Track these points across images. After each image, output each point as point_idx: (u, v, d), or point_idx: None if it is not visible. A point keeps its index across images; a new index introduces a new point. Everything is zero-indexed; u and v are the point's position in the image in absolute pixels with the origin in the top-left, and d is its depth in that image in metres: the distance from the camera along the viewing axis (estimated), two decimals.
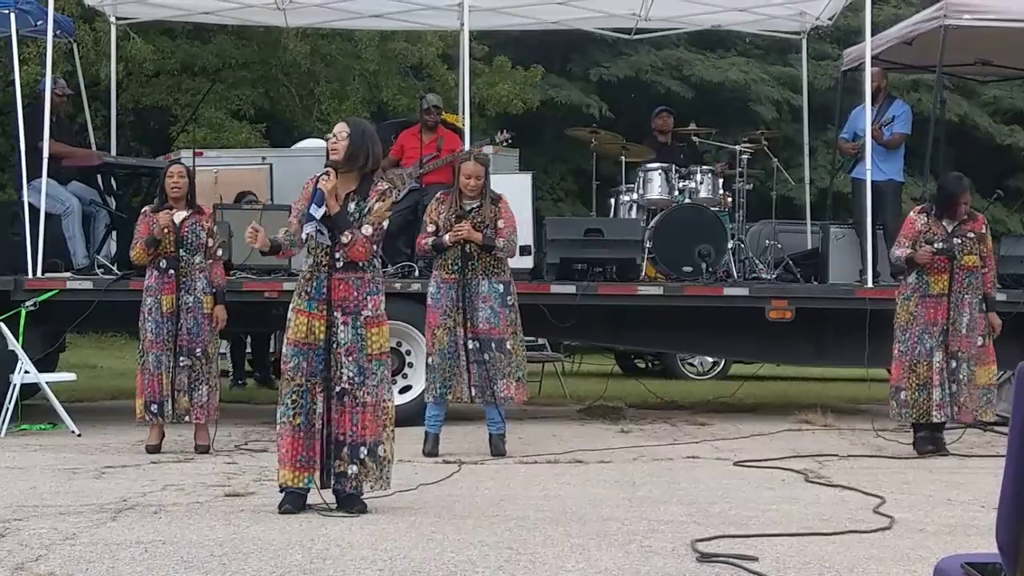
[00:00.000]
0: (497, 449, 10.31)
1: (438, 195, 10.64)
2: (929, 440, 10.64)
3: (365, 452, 7.51)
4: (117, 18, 15.63)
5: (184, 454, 10.16)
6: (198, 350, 10.22)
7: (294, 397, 7.52)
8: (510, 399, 10.26)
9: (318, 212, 7.48)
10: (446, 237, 10.09)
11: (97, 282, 12.22)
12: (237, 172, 14.66)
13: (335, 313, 7.52)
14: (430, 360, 10.28)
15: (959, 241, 10.50)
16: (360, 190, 7.63)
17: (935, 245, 10.48)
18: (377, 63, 24.73)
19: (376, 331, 7.59)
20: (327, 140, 7.75)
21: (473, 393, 10.18)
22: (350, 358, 7.52)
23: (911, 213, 10.86)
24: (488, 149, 14.47)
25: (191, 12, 16.09)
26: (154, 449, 10.22)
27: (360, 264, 7.57)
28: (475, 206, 10.19)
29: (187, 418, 10.23)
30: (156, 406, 10.16)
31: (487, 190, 10.28)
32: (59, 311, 12.16)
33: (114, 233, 13.27)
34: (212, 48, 24.63)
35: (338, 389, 7.52)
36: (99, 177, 13.34)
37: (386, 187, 7.77)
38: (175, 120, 24.38)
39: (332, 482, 7.55)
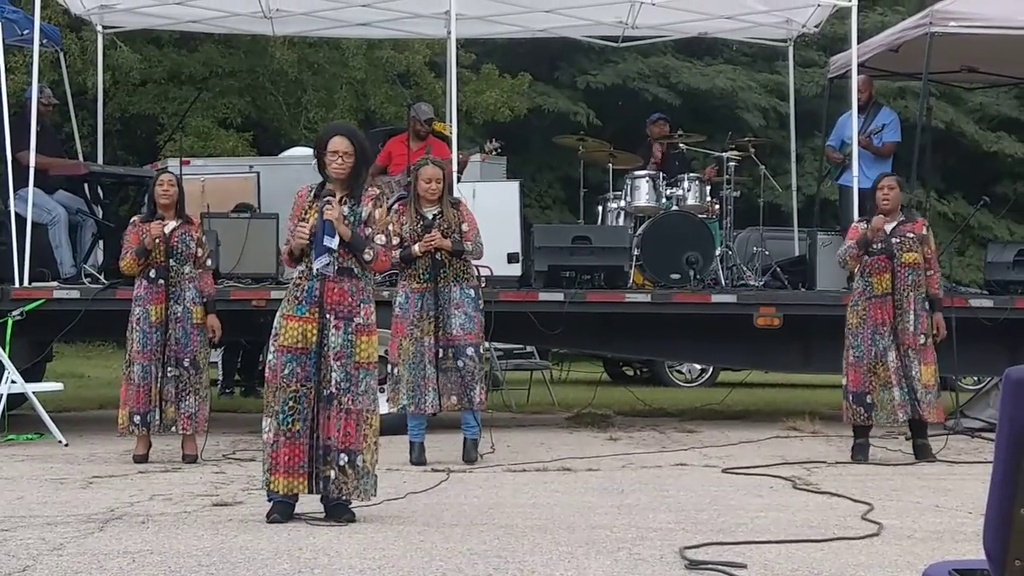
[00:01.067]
0: (469, 455, 10.27)
1: (395, 207, 10.62)
2: (867, 448, 10.71)
3: (346, 460, 7.48)
4: (104, 27, 15.60)
5: (172, 464, 10.14)
6: (186, 360, 10.19)
7: (291, 403, 7.48)
8: (480, 403, 10.25)
9: (333, 243, 7.45)
10: (416, 247, 10.03)
11: (84, 291, 12.20)
12: (224, 181, 14.66)
13: (327, 316, 7.50)
14: (396, 371, 10.24)
15: (897, 240, 10.59)
16: (352, 194, 7.62)
17: (875, 245, 10.56)
18: (364, 71, 24.75)
19: (366, 339, 7.58)
20: (333, 160, 7.59)
21: (440, 402, 10.14)
22: (339, 363, 7.50)
23: (853, 223, 10.97)
24: (476, 157, 14.50)
25: (178, 21, 16.08)
26: (141, 459, 10.19)
27: (355, 271, 7.56)
28: (436, 213, 10.17)
29: (174, 428, 10.21)
30: (139, 417, 10.10)
31: (445, 195, 10.28)
32: (46, 320, 12.12)
33: (101, 242, 13.26)
34: (199, 57, 24.64)
35: (325, 393, 7.50)
36: (86, 186, 13.33)
37: (378, 192, 7.78)
38: (162, 129, 24.37)
39: (320, 487, 7.51)
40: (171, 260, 10.20)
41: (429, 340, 10.08)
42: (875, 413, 10.55)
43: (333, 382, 7.49)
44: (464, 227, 10.17)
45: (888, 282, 10.56)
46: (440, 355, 10.08)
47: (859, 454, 10.67)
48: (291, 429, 7.47)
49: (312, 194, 7.63)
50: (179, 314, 10.19)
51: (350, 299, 7.54)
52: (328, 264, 7.49)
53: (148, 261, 10.18)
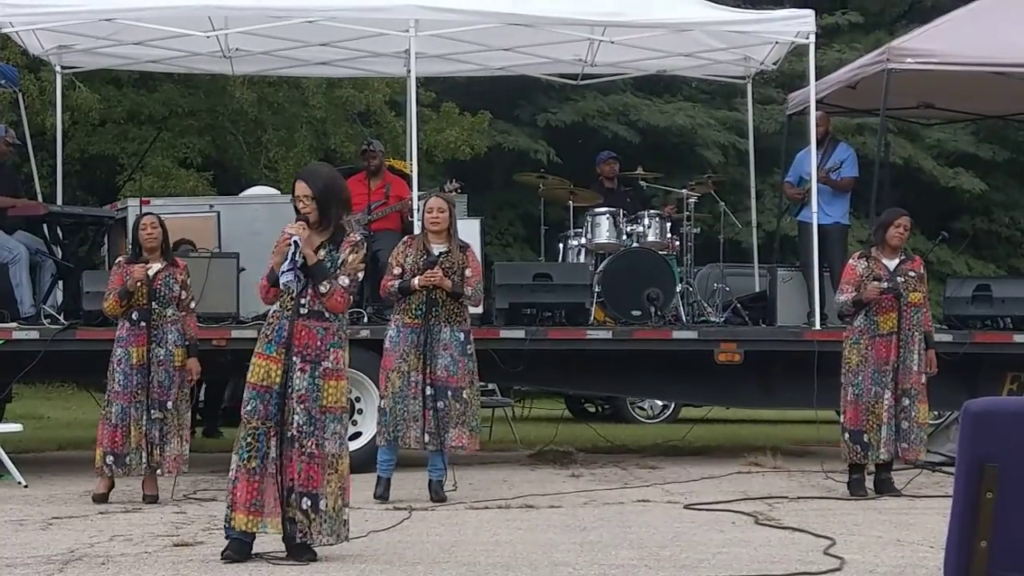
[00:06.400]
0: (437, 495, 10.27)
1: (404, 238, 10.65)
2: (863, 483, 10.72)
3: (308, 504, 7.44)
4: (63, 67, 15.55)
5: (132, 504, 10.08)
6: (169, 403, 10.16)
7: (249, 440, 7.46)
8: (461, 448, 10.23)
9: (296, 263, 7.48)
10: (415, 281, 10.01)
11: (44, 332, 12.12)
12: (184, 220, 14.59)
13: (293, 359, 7.48)
14: (382, 404, 10.22)
15: (902, 279, 10.62)
16: (333, 239, 7.61)
17: (881, 284, 10.57)
18: (324, 110, 24.74)
19: (334, 384, 7.54)
20: (297, 203, 7.65)
21: (426, 440, 10.11)
22: (302, 406, 7.47)
23: (850, 260, 10.97)
24: None
25: (137, 61, 16.04)
26: (101, 499, 10.13)
27: (327, 314, 7.54)
28: (443, 252, 10.16)
29: (160, 471, 10.17)
30: (112, 458, 10.07)
31: (454, 235, 10.28)
32: (5, 361, 12.04)
33: (60, 282, 13.19)
34: (158, 97, 24.57)
35: (288, 435, 7.47)
36: (45, 226, 13.27)
37: (358, 239, 7.74)
38: (122, 169, 24.27)
39: (288, 529, 7.46)
40: (153, 303, 10.17)
41: (416, 376, 10.07)
42: (872, 453, 10.58)
43: (295, 424, 7.46)
44: (467, 272, 10.17)
45: (894, 321, 10.57)
46: (427, 392, 10.07)
47: (858, 489, 10.66)
48: (247, 466, 7.44)
49: None
50: (161, 357, 10.15)
51: (319, 342, 7.51)
52: (291, 281, 7.48)
53: (130, 303, 10.15)
